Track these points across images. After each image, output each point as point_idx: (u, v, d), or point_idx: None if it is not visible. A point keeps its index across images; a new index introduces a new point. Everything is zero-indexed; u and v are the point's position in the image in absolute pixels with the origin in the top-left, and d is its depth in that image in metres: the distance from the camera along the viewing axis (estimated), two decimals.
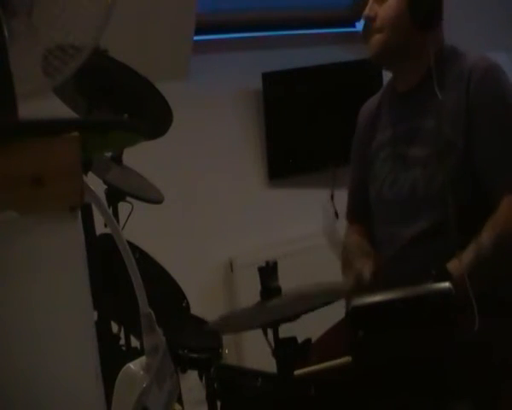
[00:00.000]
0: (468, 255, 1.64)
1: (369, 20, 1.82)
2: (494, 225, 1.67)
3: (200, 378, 1.87)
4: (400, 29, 1.79)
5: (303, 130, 3.64)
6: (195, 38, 3.29)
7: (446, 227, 1.68)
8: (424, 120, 1.80)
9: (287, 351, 1.53)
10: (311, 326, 1.66)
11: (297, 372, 1.53)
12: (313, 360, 1.56)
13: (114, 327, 2.06)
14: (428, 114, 1.79)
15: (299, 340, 1.55)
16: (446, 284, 1.41)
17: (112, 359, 1.25)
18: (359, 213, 2.03)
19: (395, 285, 1.44)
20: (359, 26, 3.80)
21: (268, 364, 1.57)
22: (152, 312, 1.06)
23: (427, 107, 1.79)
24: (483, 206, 1.71)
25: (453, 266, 1.62)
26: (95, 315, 1.74)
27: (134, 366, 1.06)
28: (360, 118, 2.05)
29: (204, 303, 2.44)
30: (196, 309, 2.15)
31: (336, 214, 3.66)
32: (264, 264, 1.62)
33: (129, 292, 1.05)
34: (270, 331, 1.57)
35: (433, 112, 1.77)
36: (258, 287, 1.62)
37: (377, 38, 1.82)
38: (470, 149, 1.72)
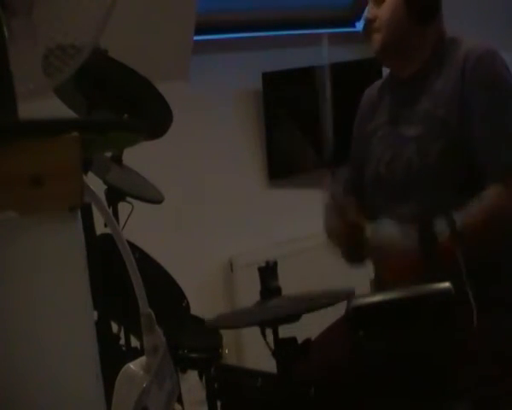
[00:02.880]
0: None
1: (369, 23, 1.88)
2: (476, 216, 1.67)
3: (200, 378, 1.88)
4: (398, 26, 1.84)
5: (303, 130, 3.64)
6: (195, 38, 3.28)
7: (440, 206, 1.70)
8: (420, 103, 1.83)
9: (287, 351, 1.53)
10: (311, 326, 1.66)
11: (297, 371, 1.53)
12: (312, 359, 1.56)
13: (114, 327, 2.06)
14: (424, 97, 1.83)
15: (299, 340, 1.55)
16: (446, 284, 1.42)
17: (112, 359, 1.25)
18: (352, 188, 2.04)
19: None
20: (359, 26, 3.80)
21: (268, 364, 1.57)
22: (152, 312, 1.06)
23: (423, 91, 1.83)
24: (478, 185, 1.72)
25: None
26: (95, 315, 1.74)
27: (134, 366, 1.06)
28: (362, 101, 2.10)
29: (204, 303, 2.44)
30: (196, 309, 2.15)
31: None
32: (264, 264, 1.62)
33: (129, 292, 1.05)
34: (269, 332, 1.57)
35: (428, 95, 1.81)
36: (258, 287, 1.62)
37: (376, 37, 1.87)
38: (464, 130, 1.74)
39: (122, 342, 2.05)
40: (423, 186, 1.79)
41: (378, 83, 2.08)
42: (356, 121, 2.10)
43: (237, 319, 1.77)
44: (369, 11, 1.89)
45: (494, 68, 1.78)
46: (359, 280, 2.15)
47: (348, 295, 1.50)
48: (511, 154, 1.72)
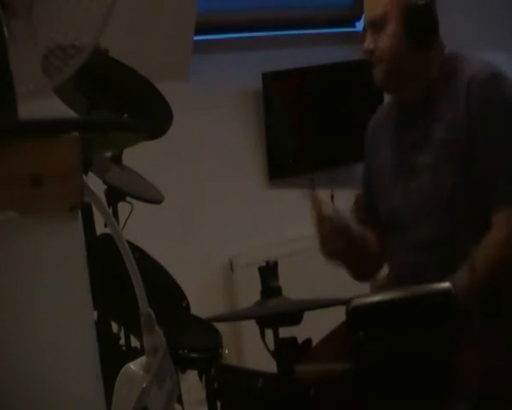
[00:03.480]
0: (459, 280, 1.64)
1: (369, 54, 1.86)
2: (489, 248, 1.69)
3: (200, 378, 1.88)
4: (399, 56, 1.82)
5: (303, 130, 3.64)
6: (195, 38, 3.28)
7: (455, 234, 1.70)
8: (429, 130, 1.82)
9: (287, 351, 1.53)
10: (311, 326, 1.66)
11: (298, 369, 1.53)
12: (313, 365, 1.56)
13: (114, 327, 2.06)
14: (434, 125, 1.81)
15: (299, 340, 1.55)
16: (446, 284, 1.42)
17: (112, 359, 1.25)
18: (370, 219, 2.03)
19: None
20: (359, 26, 3.80)
21: (268, 364, 1.57)
22: (152, 312, 1.06)
23: (432, 117, 1.82)
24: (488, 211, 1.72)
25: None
26: (95, 315, 1.74)
27: (134, 366, 1.06)
28: (369, 128, 2.06)
29: (204, 303, 2.43)
30: (196, 309, 2.15)
31: None
32: (264, 264, 1.62)
33: (129, 292, 1.05)
34: (269, 332, 1.57)
35: (438, 122, 1.80)
36: (259, 287, 1.62)
37: (379, 69, 1.85)
38: (473, 158, 1.74)
39: (122, 342, 2.05)
40: (437, 214, 1.78)
41: (383, 109, 2.05)
42: (365, 151, 2.06)
43: (239, 317, 1.77)
44: (367, 40, 1.86)
45: (497, 96, 1.76)
46: None
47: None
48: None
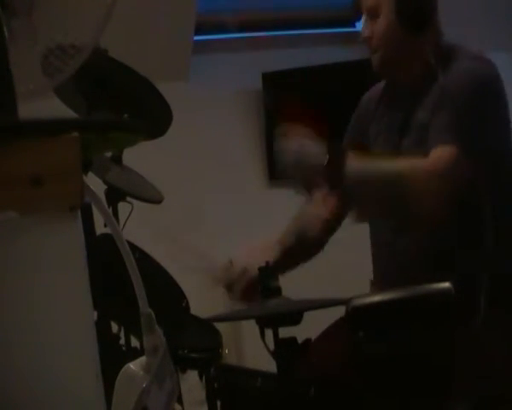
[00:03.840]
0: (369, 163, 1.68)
1: (367, 41, 1.88)
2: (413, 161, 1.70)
3: (200, 378, 1.87)
4: (394, 42, 1.84)
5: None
6: (195, 38, 3.29)
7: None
8: (413, 113, 1.84)
9: (287, 351, 1.53)
10: (311, 326, 1.66)
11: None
12: (312, 359, 1.56)
13: (114, 327, 2.06)
14: (417, 108, 1.83)
15: (299, 340, 1.55)
16: (446, 284, 1.41)
17: (112, 359, 1.25)
18: None
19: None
20: (359, 26, 3.80)
21: (268, 364, 1.57)
22: (152, 312, 1.06)
23: (416, 102, 1.84)
24: (472, 199, 1.72)
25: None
26: (95, 315, 1.74)
27: (134, 366, 1.06)
28: (359, 107, 2.09)
29: (204, 303, 2.43)
30: (196, 309, 2.15)
31: None
32: (264, 264, 1.62)
33: (129, 292, 1.05)
34: (269, 332, 1.57)
35: (420, 106, 1.82)
36: (259, 287, 1.62)
37: (375, 57, 1.88)
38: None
39: (122, 342, 2.05)
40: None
41: (376, 87, 2.06)
42: (351, 125, 2.09)
43: (237, 316, 1.77)
44: (364, 26, 1.89)
45: (486, 94, 1.76)
46: (359, 280, 2.15)
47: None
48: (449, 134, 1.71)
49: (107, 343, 1.89)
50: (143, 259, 2.03)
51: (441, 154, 1.68)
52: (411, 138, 1.83)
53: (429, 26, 1.83)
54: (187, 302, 2.11)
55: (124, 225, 2.06)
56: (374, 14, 1.85)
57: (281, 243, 1.99)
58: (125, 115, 1.97)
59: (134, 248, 1.82)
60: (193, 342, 2.06)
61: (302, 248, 2.00)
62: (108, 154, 2.10)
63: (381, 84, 2.07)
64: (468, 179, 1.65)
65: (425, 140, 1.77)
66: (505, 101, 1.81)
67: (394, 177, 1.68)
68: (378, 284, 1.92)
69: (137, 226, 2.02)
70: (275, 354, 1.54)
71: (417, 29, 1.82)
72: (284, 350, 1.53)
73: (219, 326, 2.18)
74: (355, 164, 1.66)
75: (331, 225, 2.04)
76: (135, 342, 2.02)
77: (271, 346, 1.56)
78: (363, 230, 2.02)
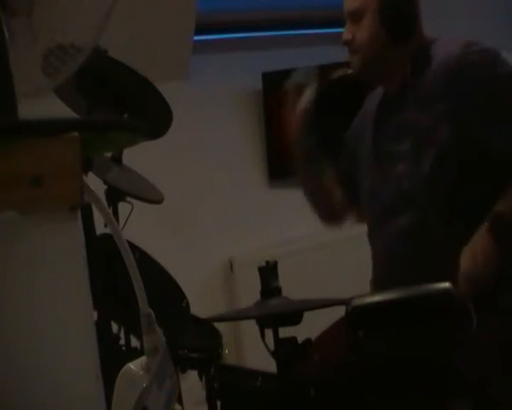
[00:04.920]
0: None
1: (347, 44, 1.88)
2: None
3: (200, 378, 1.87)
4: (375, 48, 1.84)
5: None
6: (195, 38, 3.28)
7: (432, 221, 1.70)
8: (406, 117, 1.83)
9: (287, 351, 1.53)
10: (311, 326, 1.66)
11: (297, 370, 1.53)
12: (313, 359, 1.56)
13: (114, 327, 2.06)
14: (410, 111, 1.82)
15: (299, 340, 1.55)
16: (446, 284, 1.41)
17: (112, 359, 1.25)
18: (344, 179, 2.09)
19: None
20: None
21: (268, 364, 1.57)
22: (152, 312, 1.06)
23: (409, 107, 1.83)
24: (470, 200, 1.72)
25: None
26: (95, 315, 1.74)
27: (134, 366, 1.06)
28: (367, 100, 2.09)
29: (204, 303, 2.43)
30: (196, 309, 2.15)
31: None
32: (264, 264, 1.62)
33: (129, 292, 1.05)
34: (269, 332, 1.57)
35: (414, 108, 1.81)
36: (259, 287, 1.62)
37: (355, 58, 1.88)
38: (458, 137, 1.73)
39: (122, 342, 2.05)
40: (413, 203, 1.78)
41: (379, 91, 2.05)
42: (356, 122, 2.10)
43: (237, 316, 1.77)
44: (346, 30, 1.88)
45: (475, 71, 1.74)
46: (359, 280, 2.15)
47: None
48: None
49: (107, 343, 1.89)
50: (143, 259, 2.03)
51: None
52: (406, 144, 1.81)
53: (410, 36, 1.83)
54: (187, 302, 2.11)
55: (124, 225, 2.06)
56: (357, 18, 1.85)
57: None
58: (125, 115, 1.97)
59: (134, 248, 1.82)
60: (193, 342, 2.06)
61: None
62: (108, 154, 2.10)
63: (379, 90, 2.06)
64: None
65: (421, 145, 1.76)
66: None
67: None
68: (375, 282, 1.92)
69: (137, 226, 2.02)
70: (275, 354, 1.54)
71: (400, 38, 1.83)
72: (284, 350, 1.53)
73: (219, 326, 2.18)
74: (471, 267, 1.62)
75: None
76: (135, 342, 2.02)
77: (271, 346, 1.56)
78: (363, 230, 2.02)
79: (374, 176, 1.92)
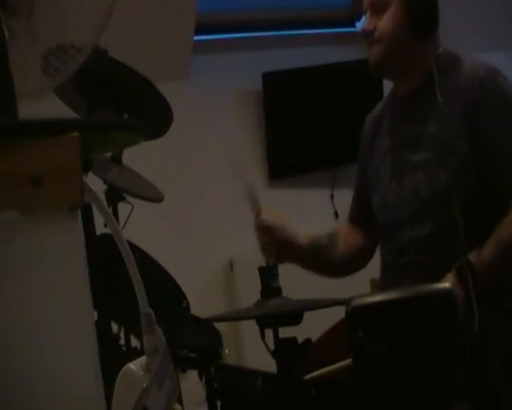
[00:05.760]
0: (489, 247, 1.65)
1: (368, 34, 1.84)
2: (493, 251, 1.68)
3: (200, 378, 1.87)
4: (399, 40, 1.80)
5: (303, 130, 3.64)
6: (195, 38, 3.29)
7: (449, 232, 1.69)
8: (425, 126, 1.80)
9: (287, 351, 1.53)
10: (311, 326, 1.66)
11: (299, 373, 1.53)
12: (314, 360, 1.56)
13: (114, 327, 2.06)
14: (429, 120, 1.79)
15: (299, 340, 1.55)
16: (446, 284, 1.41)
17: (112, 359, 1.25)
18: (359, 218, 2.04)
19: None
20: (359, 26, 3.81)
21: (268, 364, 1.57)
22: (152, 312, 1.06)
23: (427, 112, 1.80)
24: (487, 211, 1.72)
25: (474, 258, 1.62)
26: (95, 315, 1.74)
27: (134, 366, 1.06)
28: (364, 127, 2.05)
29: (204, 303, 2.43)
30: (196, 309, 2.15)
31: (336, 214, 3.67)
32: (264, 264, 1.62)
33: (129, 292, 1.05)
34: (269, 332, 1.57)
35: (433, 117, 1.78)
36: (259, 287, 1.62)
37: (376, 48, 1.83)
38: (475, 154, 1.73)
39: (122, 342, 2.05)
40: (431, 213, 1.77)
41: (379, 105, 2.04)
42: (361, 149, 2.06)
43: (237, 316, 1.77)
44: (366, 20, 1.84)
45: (498, 88, 1.75)
46: (358, 280, 2.15)
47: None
48: None
49: (107, 343, 1.89)
50: (143, 259, 2.03)
51: None
52: (424, 153, 1.79)
53: (432, 33, 1.81)
54: (187, 302, 2.11)
55: (124, 225, 2.06)
56: (379, 10, 1.81)
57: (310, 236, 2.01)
58: (125, 115, 1.97)
59: (134, 248, 1.81)
60: (193, 342, 2.06)
61: (326, 251, 2.01)
62: (108, 154, 2.10)
63: (379, 104, 2.04)
64: None
65: (439, 154, 1.75)
66: None
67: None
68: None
69: (137, 226, 2.02)
70: (275, 354, 1.54)
71: (424, 33, 1.79)
72: (284, 350, 1.53)
73: (219, 326, 2.18)
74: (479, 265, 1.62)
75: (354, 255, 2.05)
76: (135, 342, 2.02)
77: (271, 346, 1.56)
78: None
79: (387, 186, 1.89)
